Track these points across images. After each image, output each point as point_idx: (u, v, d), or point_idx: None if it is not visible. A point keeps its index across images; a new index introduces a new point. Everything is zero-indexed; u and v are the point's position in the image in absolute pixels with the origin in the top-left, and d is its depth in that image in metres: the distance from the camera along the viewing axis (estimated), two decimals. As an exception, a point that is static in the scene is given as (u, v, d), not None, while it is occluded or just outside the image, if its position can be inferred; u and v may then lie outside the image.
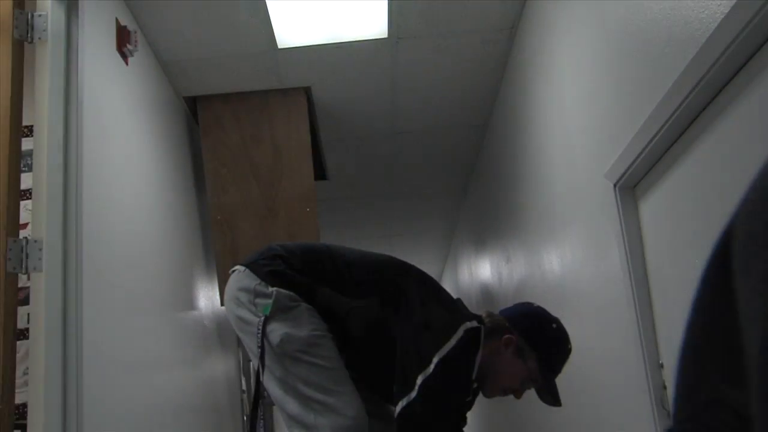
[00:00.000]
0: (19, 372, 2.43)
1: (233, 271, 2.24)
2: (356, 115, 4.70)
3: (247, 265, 2.18)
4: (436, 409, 2.01)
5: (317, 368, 2.04)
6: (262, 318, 2.05)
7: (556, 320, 2.27)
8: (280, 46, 3.85)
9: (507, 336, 2.15)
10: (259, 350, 2.04)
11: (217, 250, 4.22)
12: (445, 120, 4.99)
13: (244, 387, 5.05)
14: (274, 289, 2.08)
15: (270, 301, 2.07)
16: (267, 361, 2.04)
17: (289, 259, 2.18)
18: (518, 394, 2.21)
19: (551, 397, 2.20)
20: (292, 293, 2.09)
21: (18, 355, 2.41)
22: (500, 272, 5.22)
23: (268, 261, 2.16)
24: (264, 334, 2.04)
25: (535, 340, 2.18)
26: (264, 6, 3.50)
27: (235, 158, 4.26)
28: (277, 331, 2.04)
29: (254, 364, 2.11)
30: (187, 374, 3.74)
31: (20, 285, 2.51)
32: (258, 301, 2.09)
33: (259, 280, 2.11)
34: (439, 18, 3.70)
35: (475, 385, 2.13)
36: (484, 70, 4.30)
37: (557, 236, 3.38)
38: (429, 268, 9.98)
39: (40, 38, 2.60)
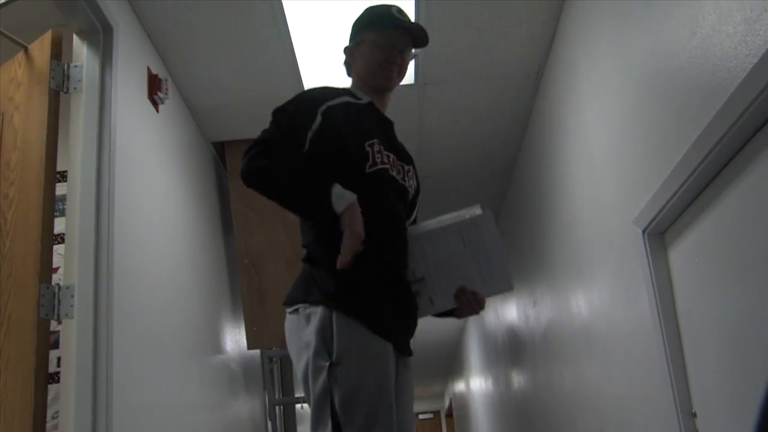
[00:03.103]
0: (48, 415, 2.45)
1: None
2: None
3: None
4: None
5: None
6: None
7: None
8: (307, 92, 3.90)
9: (345, 50, 2.30)
10: None
11: (243, 293, 4.24)
12: (471, 164, 5.00)
13: (269, 430, 5.02)
14: None
15: None
16: None
17: None
18: (396, 62, 2.24)
19: (420, 36, 2.26)
20: None
21: (48, 398, 2.43)
22: (527, 315, 5.19)
23: None
24: None
25: (355, 30, 2.29)
26: (291, 52, 3.56)
27: (262, 202, 4.27)
28: None
29: None
30: (213, 417, 3.74)
31: (51, 329, 2.53)
32: None
33: None
34: (465, 63, 3.73)
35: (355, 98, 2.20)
36: (510, 115, 4.32)
37: (585, 280, 3.37)
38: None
39: (75, 88, 2.66)
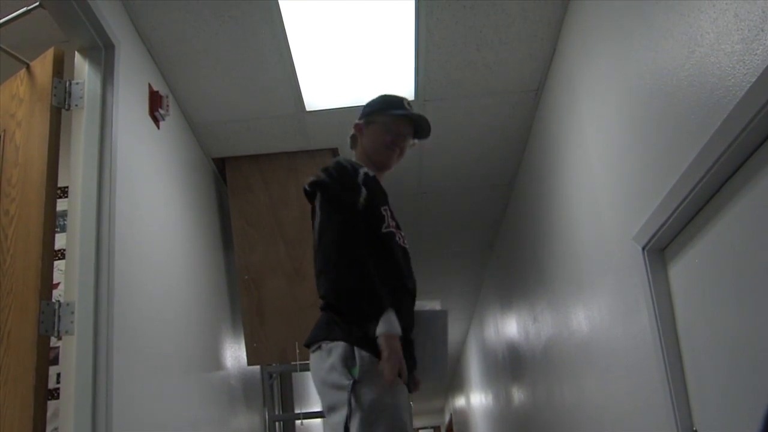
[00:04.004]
0: (48, 431, 2.44)
1: None
2: (383, 175, 4.74)
3: None
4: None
5: None
6: None
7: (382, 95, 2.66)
8: (308, 109, 3.92)
9: (355, 125, 2.58)
10: None
11: (243, 309, 4.24)
12: (470, 180, 5.02)
13: (269, 447, 5.00)
14: None
15: None
16: None
17: None
18: (399, 146, 2.53)
19: (424, 128, 2.58)
20: None
21: (47, 414, 2.42)
22: (527, 331, 5.18)
23: None
24: None
25: (368, 110, 2.59)
26: (292, 69, 3.57)
27: (263, 218, 4.31)
28: None
29: None
30: (213, 435, 3.73)
31: (51, 345, 2.53)
32: None
33: None
34: (465, 80, 3.75)
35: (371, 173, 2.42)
36: (509, 131, 4.34)
37: (585, 297, 3.37)
38: (454, 325, 9.92)
39: (77, 105, 2.67)
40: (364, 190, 2.32)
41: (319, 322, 2.26)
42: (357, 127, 2.58)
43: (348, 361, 2.10)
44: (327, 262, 2.22)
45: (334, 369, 2.11)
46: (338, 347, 2.13)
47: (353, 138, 2.59)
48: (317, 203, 2.31)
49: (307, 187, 2.38)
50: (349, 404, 2.03)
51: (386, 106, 2.57)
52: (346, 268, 2.18)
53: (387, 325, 2.10)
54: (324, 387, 2.16)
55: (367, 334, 2.11)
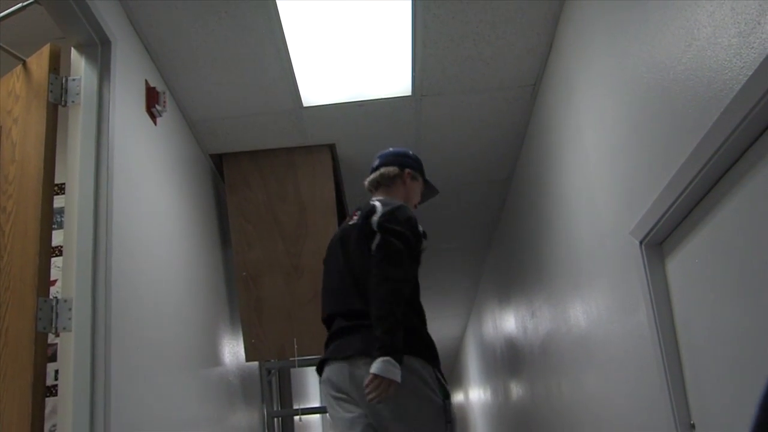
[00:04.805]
0: (46, 428, 2.44)
1: None
2: None
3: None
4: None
5: None
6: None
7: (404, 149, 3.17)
8: (305, 105, 3.92)
9: (408, 172, 3.04)
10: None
11: (241, 306, 4.24)
12: (468, 175, 5.02)
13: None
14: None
15: None
16: None
17: None
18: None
19: (432, 191, 3.17)
20: None
21: (45, 412, 2.42)
22: (525, 326, 5.19)
23: None
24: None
25: (413, 165, 3.07)
26: (289, 65, 3.57)
27: (260, 215, 4.31)
28: None
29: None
30: (212, 430, 3.73)
31: (48, 342, 2.53)
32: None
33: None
34: (462, 75, 3.75)
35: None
36: (506, 126, 4.34)
37: (583, 292, 3.37)
38: (453, 321, 9.93)
39: (73, 102, 2.67)
40: (424, 242, 2.79)
41: (362, 336, 2.62)
42: (409, 174, 3.02)
43: (437, 382, 2.64)
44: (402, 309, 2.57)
45: (427, 384, 2.59)
46: (427, 367, 2.63)
47: (395, 177, 2.99)
48: (382, 236, 2.66)
49: (379, 227, 2.69)
50: (447, 416, 2.61)
51: (423, 170, 3.10)
52: (417, 317, 2.71)
53: (380, 368, 2.49)
54: (414, 395, 2.56)
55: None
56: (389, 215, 2.70)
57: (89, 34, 2.73)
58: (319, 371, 2.81)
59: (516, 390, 6.03)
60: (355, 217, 2.87)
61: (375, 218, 2.71)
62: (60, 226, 2.83)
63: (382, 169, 3.01)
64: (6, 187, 2.55)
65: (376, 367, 2.42)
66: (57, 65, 2.66)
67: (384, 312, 2.50)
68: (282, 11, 3.20)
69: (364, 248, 2.70)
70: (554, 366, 4.25)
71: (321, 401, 9.13)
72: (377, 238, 2.66)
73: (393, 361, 2.43)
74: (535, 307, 4.67)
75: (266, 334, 4.21)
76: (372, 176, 3.04)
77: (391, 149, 3.13)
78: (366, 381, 2.46)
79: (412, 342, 2.59)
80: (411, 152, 3.11)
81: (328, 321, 2.84)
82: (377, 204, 2.80)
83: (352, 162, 4.57)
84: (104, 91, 2.73)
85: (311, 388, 7.57)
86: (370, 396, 2.42)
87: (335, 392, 2.70)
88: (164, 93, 3.36)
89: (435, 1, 3.20)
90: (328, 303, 2.87)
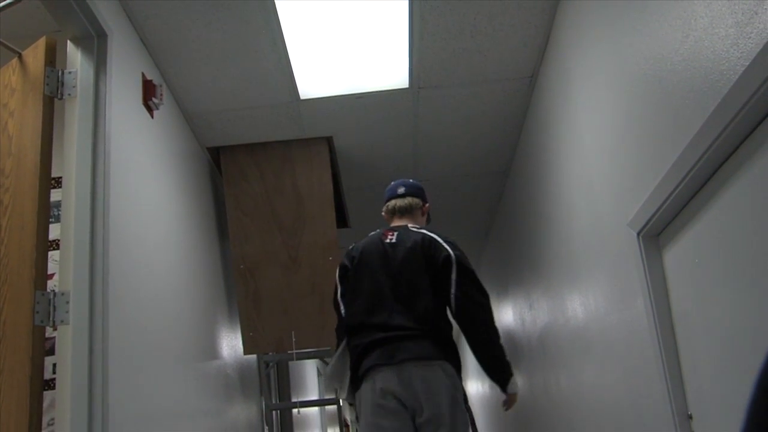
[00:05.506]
0: (44, 422, 2.44)
1: None
2: (378, 163, 4.74)
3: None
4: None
5: None
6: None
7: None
8: (302, 97, 3.91)
9: (426, 206, 3.37)
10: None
11: (239, 299, 4.24)
12: (466, 167, 5.01)
13: (266, 436, 5.02)
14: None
15: None
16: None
17: None
18: None
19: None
20: None
21: (44, 405, 2.43)
22: (523, 318, 5.19)
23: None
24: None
25: (425, 196, 3.39)
26: (286, 58, 3.56)
27: (258, 208, 4.30)
28: None
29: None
30: (210, 423, 3.73)
31: (46, 335, 2.53)
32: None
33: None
34: (459, 67, 3.74)
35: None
36: (504, 118, 4.34)
37: (581, 283, 3.37)
38: (450, 314, 9.91)
39: (69, 94, 2.66)
40: None
41: (431, 345, 2.90)
42: (427, 208, 3.35)
43: (461, 388, 2.93)
44: (489, 333, 3.10)
45: (458, 390, 2.88)
46: (457, 375, 2.93)
47: (418, 207, 3.29)
48: (457, 268, 2.97)
49: (458, 263, 2.98)
50: (470, 416, 2.93)
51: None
52: (449, 326, 3.05)
53: (514, 387, 3.08)
54: (449, 396, 2.84)
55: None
56: (461, 253, 3.02)
57: (85, 26, 2.72)
58: (358, 384, 2.96)
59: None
60: (391, 237, 3.13)
61: (447, 251, 2.99)
62: (57, 219, 2.82)
63: (411, 199, 3.27)
64: (2, 181, 2.54)
65: (512, 387, 3.03)
66: (53, 58, 2.66)
67: (496, 338, 3.05)
68: (278, 3, 3.19)
69: (428, 273, 2.97)
70: (552, 357, 4.25)
71: (320, 394, 9.14)
72: (455, 271, 2.95)
73: (515, 380, 3.07)
74: (533, 299, 4.68)
75: (264, 326, 4.21)
76: (403, 203, 3.27)
77: (411, 180, 3.40)
78: (504, 399, 3.06)
79: (449, 351, 2.92)
80: (421, 186, 3.46)
81: (356, 328, 3.01)
82: (435, 236, 3.06)
83: (350, 154, 4.56)
84: (101, 83, 2.73)
85: (309, 381, 7.58)
86: (509, 410, 3.08)
87: (381, 399, 2.84)
88: (161, 86, 3.35)
89: (432, -7, 3.20)
90: (360, 312, 3.02)
